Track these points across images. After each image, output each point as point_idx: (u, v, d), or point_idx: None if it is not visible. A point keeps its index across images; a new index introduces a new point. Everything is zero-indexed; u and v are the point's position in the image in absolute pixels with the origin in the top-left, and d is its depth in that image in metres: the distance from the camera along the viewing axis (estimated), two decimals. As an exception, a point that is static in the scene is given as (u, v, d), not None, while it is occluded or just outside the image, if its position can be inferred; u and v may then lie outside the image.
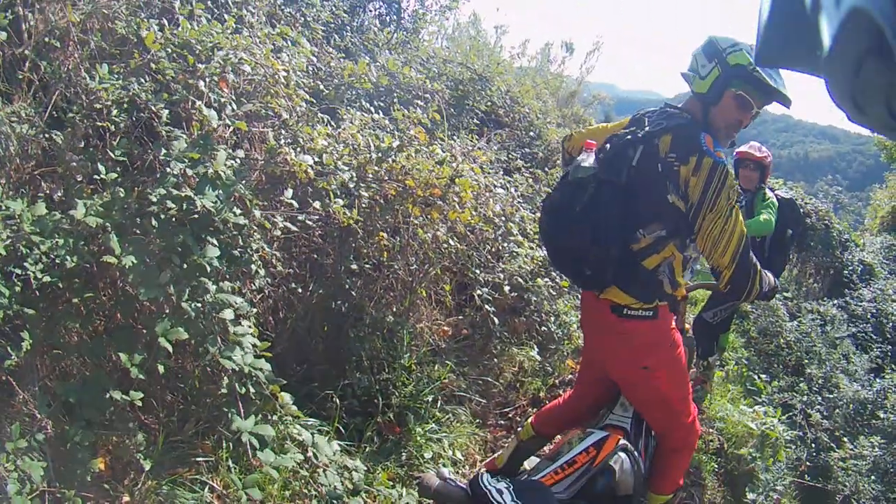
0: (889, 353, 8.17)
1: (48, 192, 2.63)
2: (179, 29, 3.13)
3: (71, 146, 2.71)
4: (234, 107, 3.15)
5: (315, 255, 3.60)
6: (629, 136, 2.47)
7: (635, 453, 2.72)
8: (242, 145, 3.31)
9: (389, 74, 4.42)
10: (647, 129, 2.45)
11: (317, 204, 3.15)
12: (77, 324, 2.43)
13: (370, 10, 7.42)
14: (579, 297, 3.08)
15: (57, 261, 2.25)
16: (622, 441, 2.66)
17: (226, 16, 3.97)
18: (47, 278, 2.22)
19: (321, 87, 4.04)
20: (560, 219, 2.53)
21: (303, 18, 5.21)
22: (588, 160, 2.44)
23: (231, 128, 3.13)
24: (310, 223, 3.25)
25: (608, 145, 2.53)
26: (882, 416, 5.86)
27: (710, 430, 4.79)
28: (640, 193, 2.39)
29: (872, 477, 5.14)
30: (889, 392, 6.18)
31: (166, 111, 2.87)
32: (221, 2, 4.20)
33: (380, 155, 3.39)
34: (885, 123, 0.79)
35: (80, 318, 2.44)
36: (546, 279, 4.50)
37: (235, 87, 3.25)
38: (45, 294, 2.34)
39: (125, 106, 2.86)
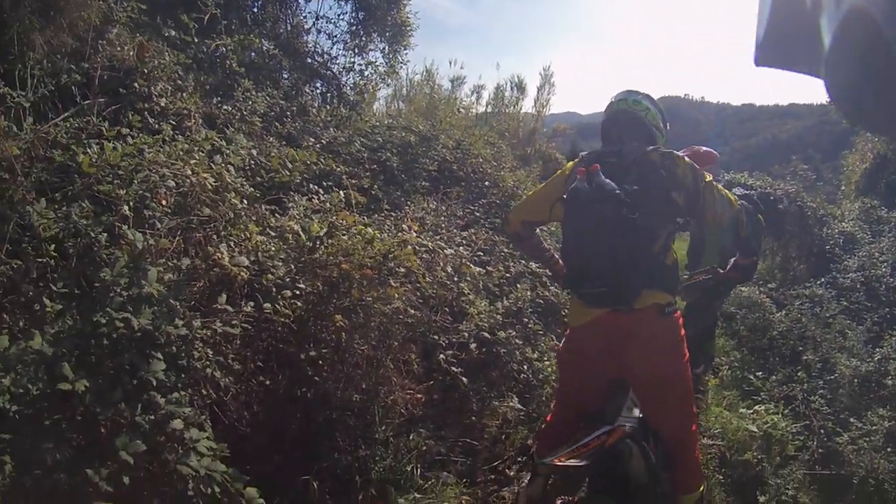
0: (887, 317, 8.03)
1: (10, 323, 2.72)
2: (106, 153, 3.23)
3: (25, 277, 2.82)
4: (160, 224, 3.22)
5: (281, 345, 3.58)
6: (615, 163, 2.79)
7: (644, 445, 2.87)
8: (189, 252, 3.35)
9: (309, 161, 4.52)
10: (629, 157, 2.81)
11: (250, 305, 3.18)
12: (51, 444, 2.47)
13: (307, 93, 7.56)
14: (569, 334, 3.05)
15: (21, 390, 2.35)
16: (629, 432, 2.85)
17: (163, 124, 4.10)
18: (15, 407, 2.33)
19: (255, 180, 4.13)
20: (598, 232, 2.62)
21: (239, 113, 5.32)
22: (602, 180, 2.64)
23: (177, 238, 3.22)
24: (245, 326, 3.21)
25: (600, 174, 2.68)
26: (890, 383, 5.68)
27: (710, 443, 4.73)
28: (652, 200, 2.68)
29: (889, 449, 4.92)
30: (891, 359, 6.03)
31: (104, 234, 2.98)
32: (157, 111, 4.33)
33: (311, 244, 3.44)
34: (885, 123, 0.85)
35: (52, 438, 2.49)
36: (510, 330, 4.53)
37: (166, 200, 3.32)
38: (21, 419, 2.41)
39: (62, 239, 2.95)
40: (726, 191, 2.86)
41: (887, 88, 0.75)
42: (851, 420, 5.38)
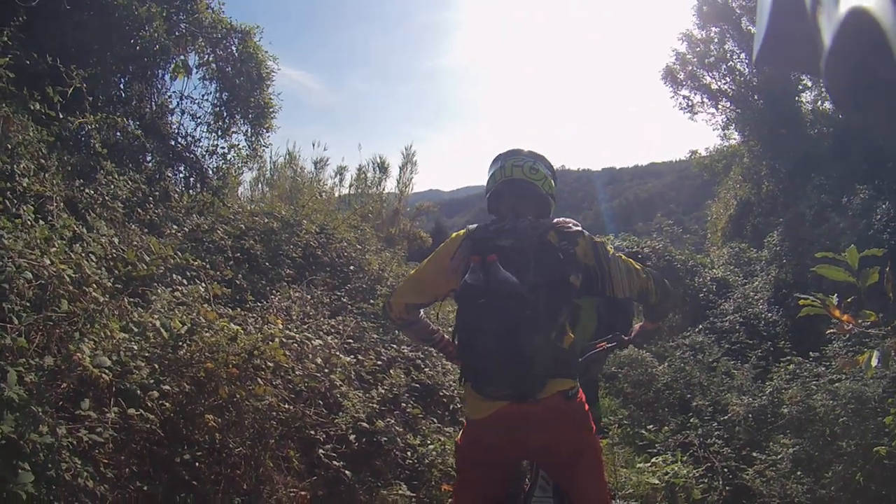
0: (771, 351, 8.31)
1: None
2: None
3: None
4: (17, 320, 2.93)
5: (155, 447, 3.30)
6: (511, 247, 2.53)
7: None
8: (51, 350, 3.05)
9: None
10: (527, 240, 2.56)
11: (115, 411, 2.93)
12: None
13: (170, 177, 7.29)
14: (464, 428, 2.87)
15: None
16: None
17: (23, 207, 3.82)
18: None
19: (115, 273, 3.89)
20: (497, 333, 2.43)
21: (101, 198, 5.05)
22: (502, 274, 2.42)
23: (38, 334, 2.98)
24: (113, 433, 2.94)
25: (499, 267, 2.48)
26: (785, 411, 5.69)
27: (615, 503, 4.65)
28: (552, 289, 2.49)
29: (799, 472, 5.00)
30: (782, 391, 6.14)
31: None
32: (19, 192, 4.05)
33: (173, 342, 3.23)
34: (886, 123, 0.80)
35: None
36: (389, 418, 4.42)
37: (24, 293, 3.05)
38: None
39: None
40: (631, 260, 2.72)
41: (888, 89, 0.75)
42: (754, 454, 5.44)
